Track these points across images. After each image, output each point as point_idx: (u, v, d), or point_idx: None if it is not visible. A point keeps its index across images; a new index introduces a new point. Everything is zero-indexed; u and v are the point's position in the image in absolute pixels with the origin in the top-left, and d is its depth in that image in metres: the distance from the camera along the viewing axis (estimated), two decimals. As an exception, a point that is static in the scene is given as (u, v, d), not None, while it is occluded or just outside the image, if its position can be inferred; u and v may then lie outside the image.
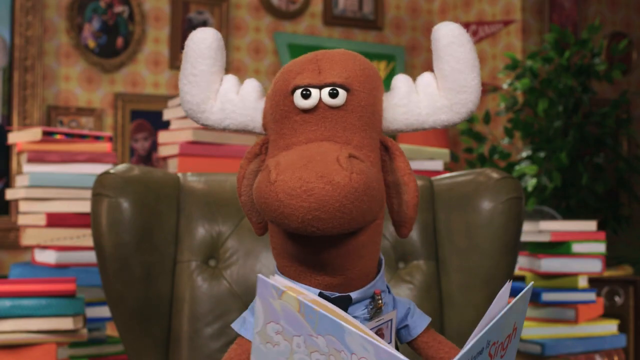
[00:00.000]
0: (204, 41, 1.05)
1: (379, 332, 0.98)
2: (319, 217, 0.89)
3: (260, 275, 0.85)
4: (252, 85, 1.07)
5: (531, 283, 0.95)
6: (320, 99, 0.98)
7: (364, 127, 1.00)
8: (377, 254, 1.01)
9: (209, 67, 1.05)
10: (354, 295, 0.98)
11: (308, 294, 0.88)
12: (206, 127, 1.09)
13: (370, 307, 0.99)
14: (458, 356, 0.80)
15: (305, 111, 0.99)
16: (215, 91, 1.06)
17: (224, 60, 1.07)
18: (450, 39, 1.02)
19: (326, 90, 0.98)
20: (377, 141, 1.02)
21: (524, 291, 0.91)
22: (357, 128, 0.99)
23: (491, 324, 0.83)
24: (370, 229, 0.97)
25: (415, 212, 1.01)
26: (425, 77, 1.05)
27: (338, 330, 0.81)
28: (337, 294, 0.97)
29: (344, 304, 0.97)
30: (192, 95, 1.05)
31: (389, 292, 1.04)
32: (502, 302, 0.93)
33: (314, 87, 0.98)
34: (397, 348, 1.03)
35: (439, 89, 1.04)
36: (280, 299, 0.84)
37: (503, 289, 0.94)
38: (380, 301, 0.99)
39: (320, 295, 0.96)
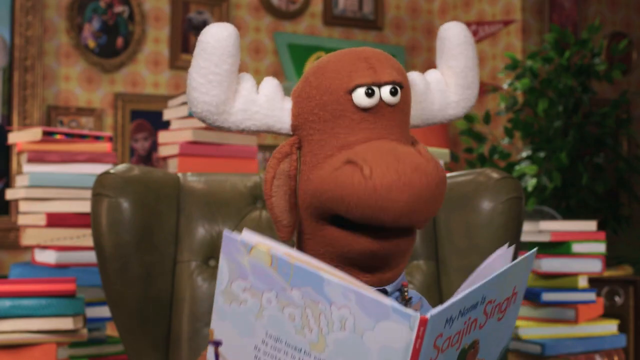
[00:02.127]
0: (228, 39, 1.00)
1: None
2: (416, 208, 0.90)
3: (225, 232, 0.83)
4: (273, 85, 1.04)
5: (535, 248, 0.95)
6: (380, 97, 0.98)
7: (407, 124, 1.03)
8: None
9: (232, 66, 1.01)
10: (389, 288, 0.99)
11: (280, 247, 0.84)
12: (220, 129, 1.05)
13: (400, 299, 1.01)
14: (450, 301, 0.78)
15: (364, 110, 0.98)
16: (234, 91, 1.02)
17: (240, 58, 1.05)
18: (462, 39, 1.08)
19: (387, 88, 0.98)
20: (410, 137, 1.04)
21: (526, 255, 0.91)
22: (405, 124, 1.02)
23: (489, 278, 0.82)
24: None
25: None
26: (434, 74, 1.10)
27: (316, 281, 0.78)
28: (375, 288, 0.98)
29: None
30: (212, 96, 1.00)
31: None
32: (500, 262, 0.92)
33: (376, 85, 0.98)
34: None
35: (448, 85, 1.09)
36: (249, 255, 0.81)
37: (501, 250, 0.94)
38: (406, 293, 1.01)
39: None
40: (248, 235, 0.84)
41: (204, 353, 1.01)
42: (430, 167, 0.92)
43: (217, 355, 0.88)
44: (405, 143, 0.99)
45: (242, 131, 1.04)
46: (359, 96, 0.97)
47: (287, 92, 1.06)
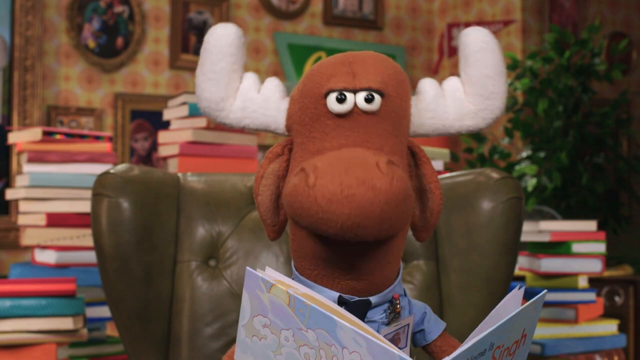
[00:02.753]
0: (225, 38, 1.02)
1: (396, 337, 0.97)
2: (360, 223, 0.86)
3: (248, 268, 0.84)
4: (274, 84, 1.04)
5: (544, 291, 0.93)
6: (355, 104, 0.95)
7: (396, 132, 0.98)
8: (400, 260, 1.01)
9: (229, 64, 1.02)
10: (373, 299, 0.97)
11: (298, 288, 0.86)
12: (223, 125, 1.07)
13: (389, 311, 0.98)
14: (457, 352, 0.79)
15: (339, 116, 0.96)
16: (235, 89, 1.04)
17: (244, 57, 1.04)
18: (480, 45, 1.01)
19: (362, 95, 0.95)
20: (405, 146, 1.00)
21: (536, 297, 0.89)
22: (390, 134, 0.97)
23: (496, 325, 0.82)
24: (399, 237, 0.96)
25: (437, 218, 1.01)
26: (453, 82, 1.05)
27: (329, 324, 0.79)
28: (357, 298, 0.96)
29: (363, 308, 0.96)
30: (211, 93, 1.03)
31: (405, 295, 1.03)
32: (510, 305, 0.92)
33: (349, 91, 0.95)
34: (410, 352, 1.03)
35: (466, 94, 1.03)
36: (269, 293, 0.83)
37: (512, 293, 0.92)
38: (398, 306, 0.98)
39: (340, 298, 0.95)
40: (269, 273, 0.87)
41: None
42: (382, 183, 0.86)
43: None
44: (383, 153, 0.95)
45: (243, 128, 1.05)
46: (331, 101, 0.95)
47: (289, 91, 1.06)
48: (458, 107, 1.03)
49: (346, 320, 0.81)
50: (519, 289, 0.94)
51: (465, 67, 1.03)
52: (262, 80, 1.07)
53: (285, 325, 0.83)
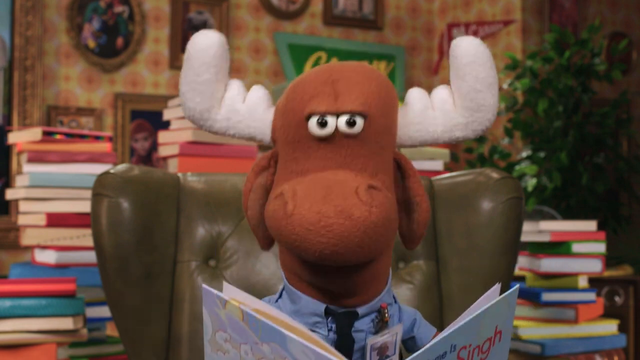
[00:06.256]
0: (208, 50, 1.00)
1: (384, 345, 0.97)
2: (337, 252, 0.86)
3: (204, 286, 0.84)
4: (258, 95, 1.03)
5: (516, 286, 0.92)
6: (336, 127, 0.94)
7: (380, 151, 0.96)
8: (388, 274, 1.00)
9: (213, 75, 1.00)
10: (360, 310, 0.96)
11: (252, 302, 0.86)
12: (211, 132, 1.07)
13: (376, 320, 0.97)
14: (414, 355, 0.79)
15: (321, 139, 0.95)
16: (220, 99, 1.02)
17: (228, 65, 1.03)
18: (471, 58, 0.99)
19: (343, 118, 0.94)
20: (391, 161, 0.99)
21: (506, 294, 0.88)
22: (373, 153, 0.96)
23: (456, 327, 0.82)
24: (384, 256, 0.96)
25: (424, 229, 1.00)
26: (441, 93, 1.03)
27: (280, 338, 0.80)
28: (343, 309, 0.96)
29: (350, 319, 0.96)
30: (196, 103, 1.01)
31: (395, 302, 1.02)
32: (487, 302, 0.91)
33: (331, 114, 0.94)
34: (401, 359, 1.03)
35: (456, 106, 1.01)
36: (224, 309, 0.84)
37: (491, 289, 0.92)
38: (386, 315, 0.97)
39: (327, 309, 0.95)
40: (226, 290, 0.86)
41: None
42: (360, 212, 0.86)
43: None
44: (367, 174, 0.94)
45: (229, 137, 1.04)
46: (312, 125, 0.94)
47: (280, 94, 1.05)
48: (447, 119, 1.02)
49: (297, 333, 0.81)
50: (496, 286, 0.94)
51: (455, 79, 1.01)
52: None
53: (242, 339, 0.84)
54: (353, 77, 0.97)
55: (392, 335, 0.97)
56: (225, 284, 0.88)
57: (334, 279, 0.93)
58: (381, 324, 0.97)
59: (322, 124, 0.94)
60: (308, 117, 0.95)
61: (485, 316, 0.85)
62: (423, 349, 0.79)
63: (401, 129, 1.01)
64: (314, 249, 0.87)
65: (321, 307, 0.95)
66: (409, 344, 1.04)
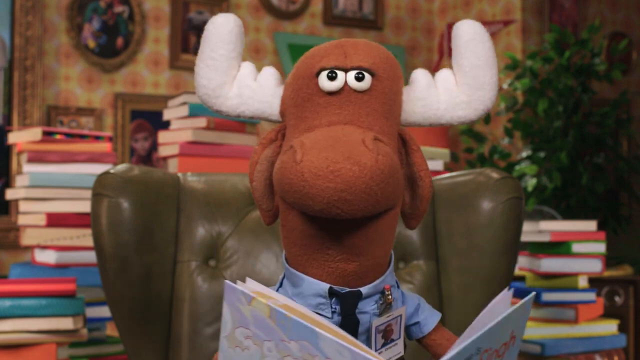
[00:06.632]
0: (225, 25, 1.04)
1: (388, 328, 0.98)
2: (345, 198, 0.88)
3: (227, 282, 0.84)
4: (270, 72, 1.06)
5: (533, 293, 0.93)
6: (345, 82, 0.97)
7: (386, 114, 0.99)
8: (391, 244, 1.01)
9: (228, 52, 1.04)
10: (364, 290, 0.97)
11: (279, 299, 0.86)
12: (219, 114, 1.08)
13: (380, 302, 0.98)
14: (443, 359, 0.79)
15: (330, 94, 0.98)
16: (233, 77, 1.05)
17: (243, 47, 1.07)
18: (471, 35, 1.03)
19: (352, 73, 0.97)
20: (396, 131, 1.01)
21: (524, 300, 0.89)
22: (380, 114, 0.98)
23: (483, 331, 0.82)
24: (388, 216, 0.97)
25: (427, 205, 1.02)
26: (444, 73, 1.06)
27: (311, 336, 0.80)
28: (347, 289, 0.96)
29: (354, 299, 0.96)
30: (209, 80, 1.04)
31: (398, 287, 1.03)
32: (499, 308, 0.91)
33: (340, 69, 0.97)
34: (405, 344, 1.03)
35: (458, 84, 1.05)
36: (249, 305, 0.83)
37: (501, 295, 0.92)
38: (389, 296, 0.98)
39: (330, 290, 0.96)
40: (250, 285, 0.87)
41: None
42: (367, 159, 0.88)
43: None
44: (372, 132, 0.96)
45: (238, 116, 1.06)
46: (323, 79, 0.97)
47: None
48: (450, 97, 1.05)
49: (328, 330, 0.81)
50: (509, 290, 0.94)
51: (457, 57, 1.05)
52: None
53: (267, 337, 0.83)
54: (360, 44, 1.01)
55: (396, 318, 0.98)
56: (248, 279, 0.89)
57: (340, 233, 0.94)
58: (385, 305, 0.98)
59: (332, 77, 0.97)
60: (318, 73, 0.98)
61: (505, 321, 0.86)
62: (454, 352, 0.80)
63: (406, 104, 1.04)
64: (322, 195, 0.88)
65: (325, 287, 0.96)
66: (414, 329, 1.05)
